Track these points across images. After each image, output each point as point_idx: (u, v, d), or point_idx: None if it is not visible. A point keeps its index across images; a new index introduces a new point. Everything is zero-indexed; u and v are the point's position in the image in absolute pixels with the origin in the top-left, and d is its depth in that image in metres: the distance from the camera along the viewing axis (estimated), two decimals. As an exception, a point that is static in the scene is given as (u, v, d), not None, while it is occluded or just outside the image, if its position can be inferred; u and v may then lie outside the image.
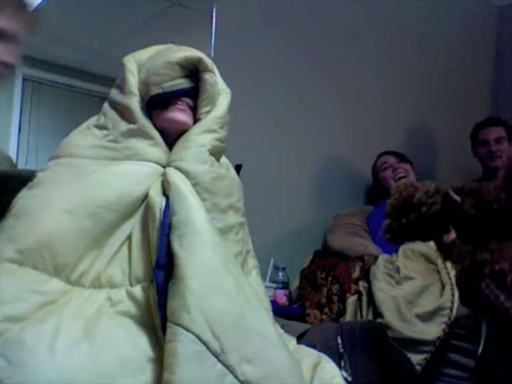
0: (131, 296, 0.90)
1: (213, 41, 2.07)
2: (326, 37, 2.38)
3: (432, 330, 1.45)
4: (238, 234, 1.10)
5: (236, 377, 0.80)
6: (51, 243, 0.89)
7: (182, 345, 0.79)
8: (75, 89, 2.36)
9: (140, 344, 0.84)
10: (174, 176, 0.98)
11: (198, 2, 2.19)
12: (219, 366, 0.80)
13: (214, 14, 2.08)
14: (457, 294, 1.51)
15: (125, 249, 0.96)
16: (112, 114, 1.08)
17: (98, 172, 0.99)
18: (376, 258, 1.74)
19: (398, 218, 1.48)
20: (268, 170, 2.15)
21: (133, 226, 0.98)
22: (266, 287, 1.85)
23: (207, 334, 0.80)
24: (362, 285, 1.67)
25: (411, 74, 2.69)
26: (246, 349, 0.83)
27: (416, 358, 1.43)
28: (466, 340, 1.48)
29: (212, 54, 2.05)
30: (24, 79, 2.30)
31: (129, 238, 0.97)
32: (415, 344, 1.44)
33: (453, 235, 1.32)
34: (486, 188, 1.30)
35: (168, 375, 0.77)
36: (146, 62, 1.12)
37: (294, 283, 2.02)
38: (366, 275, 1.69)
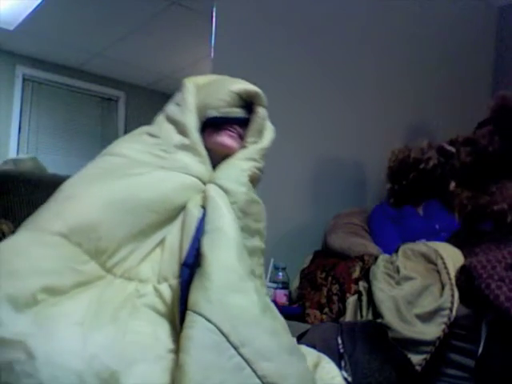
0: (157, 291, 0.94)
1: (213, 41, 2.07)
2: (326, 36, 2.38)
3: (432, 331, 1.45)
4: (260, 259, 1.18)
5: (254, 370, 0.82)
6: (97, 227, 0.94)
7: (201, 332, 0.82)
8: (75, 89, 2.37)
9: (161, 336, 0.87)
10: (213, 191, 1.06)
11: (197, 1, 2.19)
12: (237, 358, 0.81)
13: (214, 14, 2.08)
14: (457, 294, 1.51)
15: (158, 251, 1.02)
16: (167, 126, 1.16)
17: (146, 174, 1.06)
18: (376, 258, 1.74)
19: (398, 180, 1.48)
20: (268, 170, 2.14)
21: (168, 231, 1.04)
22: (266, 287, 1.86)
23: (228, 326, 0.83)
24: (361, 285, 1.67)
25: (411, 73, 2.69)
26: (263, 347, 0.85)
27: (416, 359, 1.43)
28: (466, 340, 1.48)
29: (212, 54, 2.05)
30: (24, 79, 2.30)
31: (162, 241, 1.03)
32: (415, 344, 1.44)
33: (452, 185, 1.33)
34: (479, 134, 1.31)
35: (184, 356, 0.79)
36: (204, 86, 1.23)
37: (294, 283, 2.02)
38: (365, 275, 1.69)
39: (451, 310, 1.48)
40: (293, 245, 2.16)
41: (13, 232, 1.30)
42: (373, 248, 1.94)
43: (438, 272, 1.59)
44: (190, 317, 0.84)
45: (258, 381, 0.81)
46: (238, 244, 0.98)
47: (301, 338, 1.30)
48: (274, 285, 1.91)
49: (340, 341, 1.33)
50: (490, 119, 1.30)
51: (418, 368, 1.42)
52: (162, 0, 2.18)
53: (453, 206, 1.35)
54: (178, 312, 0.88)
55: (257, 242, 1.15)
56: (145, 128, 1.20)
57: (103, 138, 2.37)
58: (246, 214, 1.09)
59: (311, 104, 2.33)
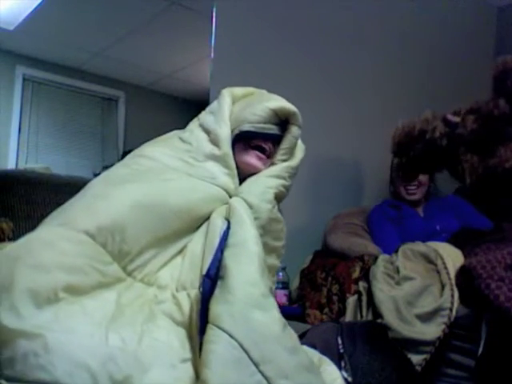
0: (175, 299, 0.95)
1: (213, 41, 2.07)
2: (326, 36, 2.38)
3: (432, 331, 1.45)
4: (273, 276, 1.19)
5: None
6: (123, 229, 0.94)
7: (223, 348, 0.82)
8: (75, 89, 2.37)
9: (175, 345, 0.87)
10: (239, 204, 1.06)
11: (198, 2, 2.19)
12: (258, 376, 0.81)
13: (214, 14, 2.08)
14: (456, 294, 1.51)
15: (179, 258, 1.03)
16: (200, 134, 1.16)
17: (175, 181, 1.06)
18: (376, 258, 1.74)
19: (405, 152, 1.48)
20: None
21: (191, 239, 1.05)
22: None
23: (249, 342, 0.83)
24: (361, 285, 1.67)
25: (410, 74, 2.69)
26: (283, 365, 0.85)
27: (416, 359, 1.42)
28: (466, 340, 1.48)
29: (212, 54, 2.05)
30: (24, 79, 2.30)
31: (183, 249, 1.04)
32: (415, 344, 1.44)
33: (461, 151, 1.34)
34: (481, 102, 1.32)
35: (206, 371, 0.79)
36: (241, 98, 1.24)
37: (294, 283, 2.02)
38: (365, 275, 1.69)
39: (451, 310, 1.48)
40: (293, 245, 2.14)
41: (13, 231, 1.30)
42: (373, 248, 1.94)
43: (438, 272, 1.59)
44: (213, 331, 0.84)
45: None
46: (260, 260, 0.97)
47: (301, 338, 1.30)
48: (274, 285, 1.91)
49: (340, 341, 1.32)
50: (494, 80, 1.31)
51: (418, 368, 1.42)
52: (162, 0, 2.18)
53: (462, 174, 1.35)
54: (198, 322, 0.87)
55: (273, 261, 1.16)
56: (177, 132, 1.21)
57: (103, 138, 2.37)
58: (266, 231, 1.11)
59: (311, 104, 2.33)
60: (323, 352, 1.16)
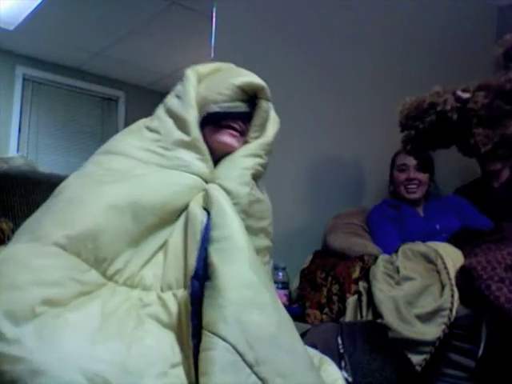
0: (161, 300, 0.93)
1: (213, 41, 2.07)
2: (326, 36, 2.38)
3: (432, 331, 1.45)
4: (265, 257, 1.15)
5: None
6: (96, 235, 0.91)
7: (219, 353, 0.81)
8: (75, 89, 2.37)
9: (165, 349, 0.85)
10: (217, 192, 1.02)
11: (198, 2, 2.19)
12: (253, 377, 0.81)
13: (214, 14, 2.08)
14: (457, 294, 1.51)
15: (160, 255, 1.00)
16: (167, 120, 1.11)
17: (147, 175, 1.02)
18: (376, 258, 1.74)
19: (414, 125, 1.47)
20: (268, 170, 2.15)
21: (170, 233, 1.01)
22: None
23: (243, 345, 0.82)
24: (361, 285, 1.67)
25: (410, 74, 2.69)
26: (278, 363, 0.84)
27: (416, 359, 1.42)
28: (466, 340, 1.48)
29: (212, 54, 2.05)
30: (24, 79, 2.30)
31: (165, 244, 1.01)
32: (415, 344, 1.44)
33: (474, 123, 1.34)
34: (491, 78, 1.32)
35: (204, 380, 0.79)
36: (207, 77, 1.18)
37: (294, 283, 2.02)
38: (365, 275, 1.69)
39: (451, 310, 1.48)
40: (293, 245, 2.16)
41: (13, 231, 1.30)
42: (373, 248, 1.94)
43: (438, 272, 1.59)
44: (208, 338, 0.83)
45: None
46: (249, 252, 0.95)
47: (301, 338, 1.30)
48: (274, 285, 1.91)
49: (340, 341, 1.32)
50: (503, 58, 1.32)
51: (418, 368, 1.42)
52: (162, 0, 2.18)
53: (475, 146, 1.34)
54: (190, 326, 0.86)
55: (261, 241, 1.13)
56: (145, 121, 1.16)
57: (103, 138, 2.37)
58: (248, 215, 1.07)
59: (311, 104, 2.33)
60: (323, 352, 1.16)
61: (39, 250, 0.87)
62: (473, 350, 1.42)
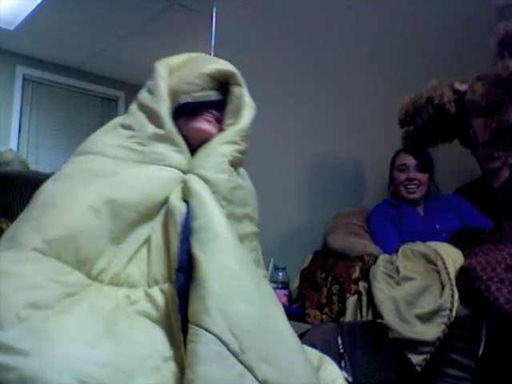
0: (149, 296, 0.92)
1: (213, 41, 2.07)
2: (325, 36, 2.38)
3: (431, 331, 1.45)
4: (252, 243, 1.13)
5: (255, 376, 0.81)
6: (76, 237, 0.91)
7: (204, 345, 0.81)
8: (75, 89, 2.37)
9: (156, 344, 0.86)
10: (195, 182, 1.01)
11: (197, 2, 2.19)
12: (239, 366, 0.81)
13: (214, 14, 2.08)
14: (457, 294, 1.51)
15: (144, 250, 0.99)
16: (140, 116, 1.10)
17: (124, 173, 1.02)
18: (376, 258, 1.74)
19: (413, 120, 1.47)
20: (268, 170, 2.15)
21: (152, 228, 1.00)
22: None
23: (227, 335, 0.82)
24: (361, 285, 1.67)
25: (410, 73, 2.69)
26: (264, 351, 0.84)
27: (416, 359, 1.43)
28: (466, 340, 1.48)
29: (212, 54, 2.05)
30: (24, 79, 2.30)
31: (148, 240, 1.00)
32: (415, 344, 1.44)
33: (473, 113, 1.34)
34: (488, 69, 1.34)
35: (190, 374, 0.79)
36: (177, 68, 1.16)
37: (294, 283, 2.02)
38: (365, 275, 1.69)
39: (451, 310, 1.48)
40: (293, 245, 2.16)
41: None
42: (373, 248, 1.94)
43: (438, 272, 1.59)
44: (192, 330, 0.83)
45: None
46: (230, 241, 0.95)
47: (301, 338, 1.30)
48: (274, 285, 1.91)
49: (340, 341, 1.33)
50: (498, 50, 1.33)
51: (418, 368, 1.42)
52: (162, 0, 2.18)
53: (474, 136, 1.35)
54: (179, 320, 0.86)
55: (246, 227, 1.11)
56: (119, 119, 1.15)
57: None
58: (229, 202, 1.06)
59: (311, 103, 2.33)
60: (323, 352, 1.15)
61: (19, 256, 0.87)
62: (473, 350, 1.42)
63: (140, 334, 0.86)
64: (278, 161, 2.21)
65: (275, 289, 1.90)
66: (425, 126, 1.49)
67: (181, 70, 1.15)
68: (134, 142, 1.07)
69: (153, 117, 1.08)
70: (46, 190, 1.01)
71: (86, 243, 0.92)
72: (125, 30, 2.17)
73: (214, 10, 2.08)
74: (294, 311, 1.82)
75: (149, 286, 0.94)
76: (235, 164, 1.11)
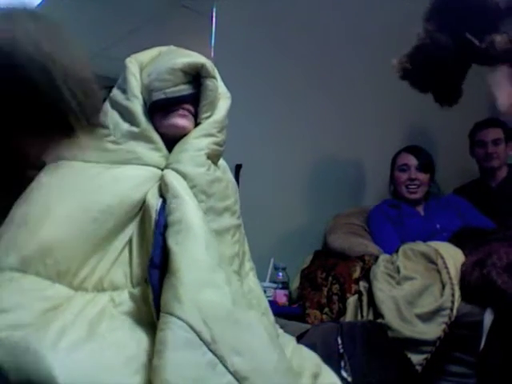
0: (133, 297, 0.91)
1: (213, 41, 2.07)
2: (327, 36, 2.38)
3: (432, 330, 1.45)
4: (235, 236, 1.12)
5: (226, 367, 0.80)
6: (53, 250, 0.89)
7: (173, 332, 0.80)
8: (75, 89, 2.37)
9: (142, 343, 0.85)
10: (171, 177, 1.01)
11: (198, 2, 2.19)
12: (210, 355, 0.80)
13: (214, 15, 2.08)
14: (457, 293, 1.52)
15: (126, 252, 0.98)
16: (113, 114, 1.08)
17: (99, 176, 1.00)
18: (376, 257, 1.74)
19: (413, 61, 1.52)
20: (268, 171, 2.15)
21: (133, 229, 0.99)
22: (266, 287, 1.85)
23: (199, 323, 0.82)
24: (362, 285, 1.67)
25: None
26: (236, 341, 0.84)
27: (416, 358, 1.43)
28: (467, 339, 1.48)
29: (212, 54, 2.05)
30: (24, 79, 2.30)
31: (130, 241, 0.99)
32: (415, 344, 1.44)
33: None
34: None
35: (156, 360, 0.78)
36: (148, 64, 1.15)
37: (294, 283, 2.02)
38: (366, 275, 1.69)
39: (451, 309, 1.48)
40: (293, 245, 2.16)
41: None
42: (373, 248, 1.94)
43: (439, 272, 1.60)
44: (163, 318, 0.82)
45: (230, 377, 0.80)
46: (203, 233, 0.94)
47: (301, 338, 1.30)
48: (274, 285, 1.91)
49: (340, 341, 1.33)
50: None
51: (419, 368, 1.42)
52: (163, 0, 2.18)
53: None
54: (155, 315, 0.86)
55: (227, 220, 1.09)
56: None
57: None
58: (208, 196, 1.05)
59: (311, 104, 2.33)
60: (323, 352, 1.16)
61: None
62: (473, 348, 1.42)
63: (126, 334, 0.85)
64: (279, 161, 2.21)
65: (275, 289, 1.90)
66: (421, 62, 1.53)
67: (151, 66, 1.13)
68: (109, 141, 1.05)
69: (126, 114, 1.07)
70: (23, 204, 0.96)
71: (66, 255, 0.90)
72: (125, 30, 2.17)
73: (214, 9, 2.08)
74: (294, 311, 1.82)
75: (133, 287, 0.94)
76: (213, 157, 1.10)
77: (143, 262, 0.95)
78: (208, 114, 1.11)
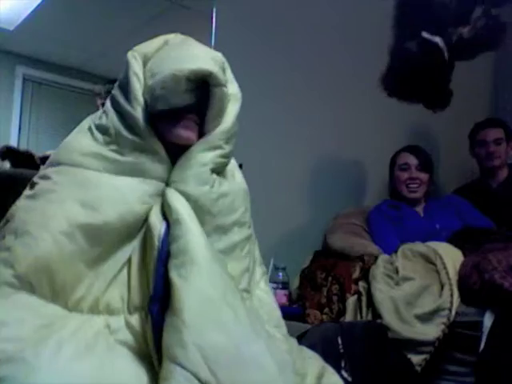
0: (129, 325, 0.88)
1: (213, 41, 2.07)
2: (328, 36, 2.38)
3: (431, 331, 1.45)
4: (244, 249, 1.06)
5: None
6: (49, 268, 0.86)
7: (178, 383, 0.76)
8: (75, 89, 2.37)
9: (139, 374, 0.82)
10: (174, 199, 0.95)
11: (198, 2, 2.19)
12: None
13: (214, 14, 2.08)
14: (456, 294, 1.52)
15: (125, 273, 0.93)
16: (115, 119, 1.00)
17: (100, 188, 0.94)
18: (376, 258, 1.74)
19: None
20: (268, 171, 2.15)
21: (134, 248, 0.95)
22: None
23: (205, 372, 0.78)
24: (361, 285, 1.67)
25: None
26: (243, 382, 0.80)
27: (415, 359, 1.43)
28: (465, 340, 1.48)
29: (212, 54, 2.05)
30: (24, 79, 2.30)
31: (129, 261, 0.94)
32: (414, 345, 1.44)
33: None
34: None
35: None
36: (153, 56, 1.04)
37: (294, 283, 2.02)
38: (365, 275, 1.69)
39: (450, 310, 1.48)
40: (293, 245, 2.16)
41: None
42: (373, 248, 1.94)
43: (437, 272, 1.60)
44: (167, 366, 0.78)
45: None
46: (209, 264, 0.89)
47: (301, 338, 1.30)
48: (274, 285, 1.91)
49: (340, 341, 1.33)
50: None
51: (418, 368, 1.42)
52: (163, 0, 2.18)
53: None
54: (154, 352, 0.83)
55: (236, 236, 1.03)
56: (93, 117, 1.05)
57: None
58: (214, 215, 0.99)
59: (311, 104, 2.33)
60: (323, 352, 1.15)
61: None
62: (473, 349, 1.42)
63: (122, 363, 0.82)
64: (279, 161, 2.21)
65: (275, 289, 1.90)
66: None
67: (156, 60, 1.02)
68: (111, 150, 0.98)
69: (128, 120, 0.98)
70: (21, 210, 0.93)
71: (61, 273, 0.86)
72: (125, 30, 2.17)
73: (214, 9, 2.08)
74: (294, 311, 1.82)
75: (129, 313, 0.90)
76: (218, 169, 1.03)
77: (142, 287, 0.91)
78: (215, 124, 1.02)
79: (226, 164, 1.06)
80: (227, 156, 1.05)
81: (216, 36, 2.07)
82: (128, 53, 1.04)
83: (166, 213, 0.94)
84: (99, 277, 0.91)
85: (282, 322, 1.10)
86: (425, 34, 1.36)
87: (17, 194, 1.00)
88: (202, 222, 0.96)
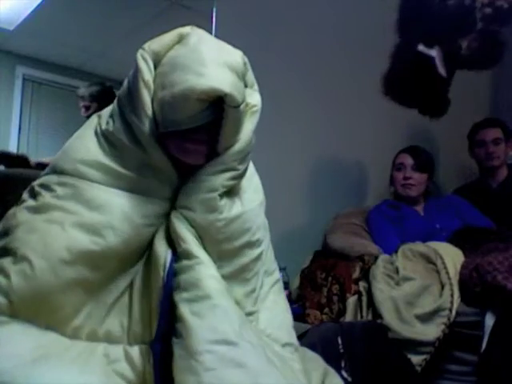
0: (128, 357, 0.85)
1: (213, 41, 2.06)
2: (328, 36, 2.38)
3: (431, 331, 1.46)
4: (252, 271, 1.00)
5: None
6: (46, 299, 0.83)
7: None
8: (75, 89, 2.37)
9: None
10: (181, 227, 0.90)
11: (198, 2, 2.19)
12: None
13: (214, 14, 2.08)
14: (456, 294, 1.52)
15: (126, 298, 0.90)
16: (121, 126, 0.92)
17: (105, 210, 0.88)
18: (376, 258, 1.74)
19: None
20: (268, 171, 2.15)
21: (136, 271, 0.91)
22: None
23: None
24: (362, 285, 1.68)
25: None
26: None
27: (416, 359, 1.43)
28: (466, 339, 1.48)
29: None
30: (24, 79, 2.30)
31: (131, 285, 0.91)
32: (415, 345, 1.44)
33: None
34: None
35: None
36: (166, 55, 0.93)
37: (294, 283, 2.02)
38: (366, 275, 1.69)
39: (451, 310, 1.49)
40: (293, 245, 2.16)
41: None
42: (373, 248, 1.94)
43: (438, 272, 1.60)
44: None
45: None
46: (222, 298, 0.85)
47: (301, 338, 1.30)
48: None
49: (340, 341, 1.33)
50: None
51: (418, 368, 1.42)
52: (163, 0, 2.18)
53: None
54: None
55: (246, 258, 0.98)
56: (100, 122, 0.97)
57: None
58: (220, 242, 0.93)
59: (311, 104, 2.33)
60: (323, 352, 1.16)
61: None
62: (473, 349, 1.42)
63: None
64: (279, 161, 2.21)
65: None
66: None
67: (166, 72, 0.90)
68: (117, 164, 0.91)
69: (136, 135, 0.90)
70: (23, 223, 0.88)
71: (59, 303, 0.83)
72: (125, 30, 2.16)
73: (214, 9, 2.08)
74: (294, 311, 1.81)
75: (129, 344, 0.87)
76: (228, 191, 0.96)
77: (144, 317, 0.88)
78: (228, 145, 0.93)
79: (238, 183, 0.99)
80: (241, 176, 0.98)
81: (216, 36, 2.06)
82: (138, 53, 0.93)
83: (172, 237, 0.90)
84: (99, 304, 0.88)
85: (293, 332, 1.06)
86: (421, 47, 1.35)
87: (18, 195, 0.99)
88: (208, 249, 0.92)
